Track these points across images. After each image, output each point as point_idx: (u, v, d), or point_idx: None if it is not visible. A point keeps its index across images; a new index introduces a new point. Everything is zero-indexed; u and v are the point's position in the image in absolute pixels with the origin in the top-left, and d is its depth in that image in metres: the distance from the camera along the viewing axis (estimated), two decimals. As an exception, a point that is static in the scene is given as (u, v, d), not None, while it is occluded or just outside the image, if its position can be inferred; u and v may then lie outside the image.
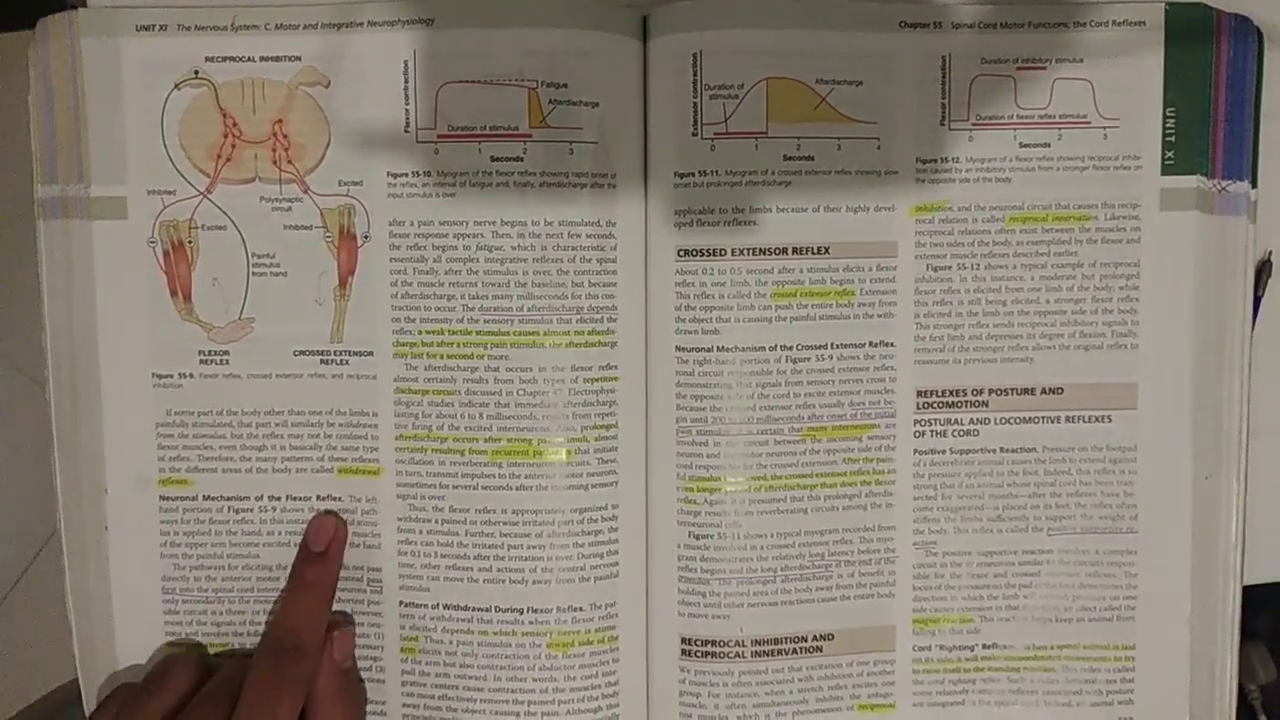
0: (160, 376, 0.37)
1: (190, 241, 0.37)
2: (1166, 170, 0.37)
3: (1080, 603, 0.38)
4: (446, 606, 0.37)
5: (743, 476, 0.37)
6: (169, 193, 0.37)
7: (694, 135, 0.36)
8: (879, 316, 0.37)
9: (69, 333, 0.37)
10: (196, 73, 0.37)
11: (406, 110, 0.36)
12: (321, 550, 0.37)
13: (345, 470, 0.37)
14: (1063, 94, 0.37)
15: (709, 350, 0.37)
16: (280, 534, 0.37)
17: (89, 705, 0.38)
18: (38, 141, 0.37)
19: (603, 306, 0.36)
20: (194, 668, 0.36)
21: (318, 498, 0.37)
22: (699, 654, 0.37)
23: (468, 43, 0.36)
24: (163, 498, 0.38)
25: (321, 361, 0.37)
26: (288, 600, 0.37)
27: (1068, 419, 0.38)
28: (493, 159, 0.36)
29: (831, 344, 0.37)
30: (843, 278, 0.37)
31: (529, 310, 0.36)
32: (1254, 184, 0.37)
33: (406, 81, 0.36)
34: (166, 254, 0.37)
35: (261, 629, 0.38)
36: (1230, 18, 0.37)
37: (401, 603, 0.37)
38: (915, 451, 0.38)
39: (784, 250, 0.37)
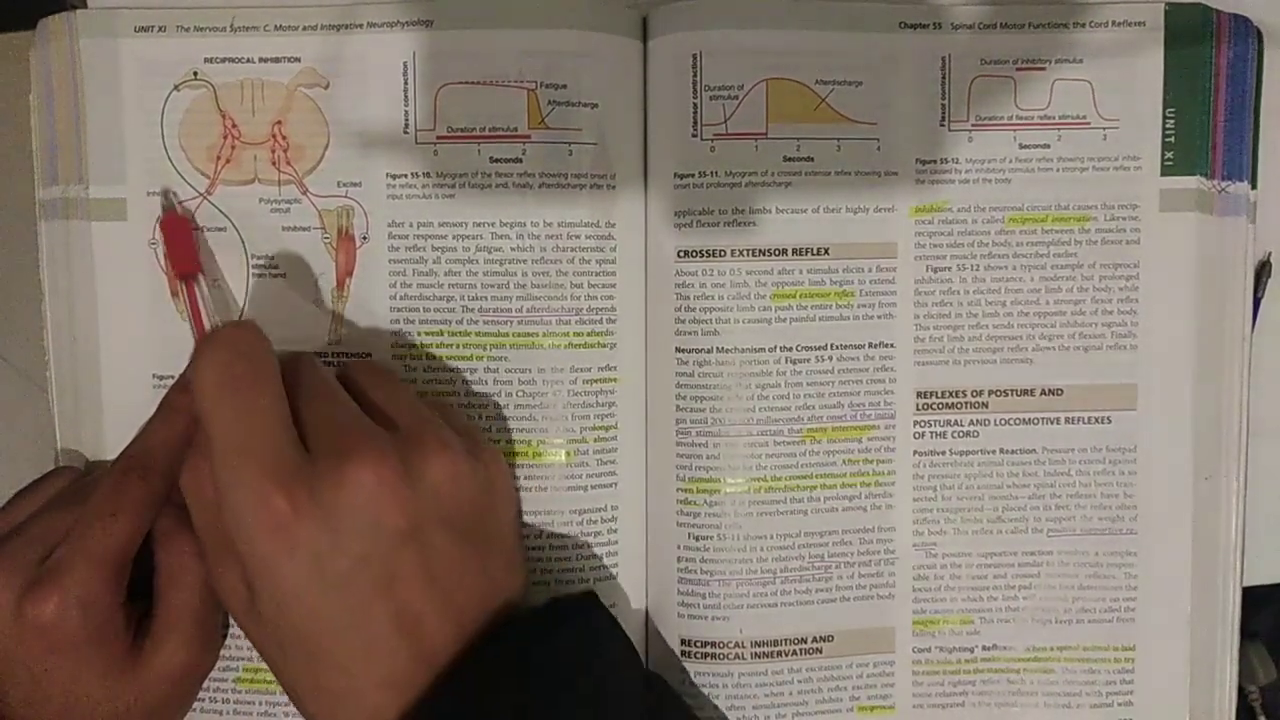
0: (160, 378, 0.37)
1: (190, 243, 0.37)
2: (1166, 171, 0.37)
3: (1080, 604, 0.38)
4: (446, 608, 0.37)
5: (742, 478, 0.37)
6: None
7: (694, 136, 0.36)
8: (879, 317, 0.37)
9: (69, 333, 0.37)
10: (196, 74, 0.37)
11: (406, 111, 0.36)
12: None
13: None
14: (1062, 94, 0.37)
15: (709, 351, 0.37)
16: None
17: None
18: (38, 142, 0.37)
19: (602, 308, 0.36)
20: (72, 476, 0.35)
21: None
22: (699, 655, 0.37)
23: (467, 44, 0.36)
24: (162, 499, 0.37)
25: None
26: (150, 421, 0.34)
27: (1067, 420, 0.38)
28: (492, 160, 0.36)
29: (831, 345, 0.37)
30: (842, 279, 0.37)
31: (528, 311, 0.36)
32: (1254, 184, 0.37)
33: (406, 83, 0.36)
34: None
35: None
36: (1230, 18, 0.37)
37: (401, 604, 0.37)
38: (915, 453, 0.38)
39: (784, 251, 0.37)
